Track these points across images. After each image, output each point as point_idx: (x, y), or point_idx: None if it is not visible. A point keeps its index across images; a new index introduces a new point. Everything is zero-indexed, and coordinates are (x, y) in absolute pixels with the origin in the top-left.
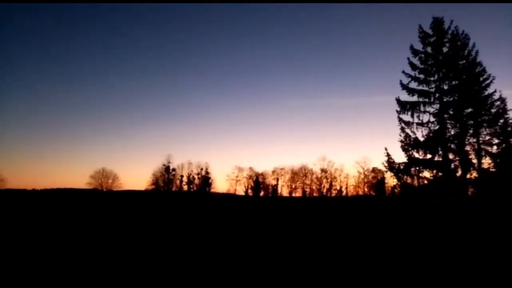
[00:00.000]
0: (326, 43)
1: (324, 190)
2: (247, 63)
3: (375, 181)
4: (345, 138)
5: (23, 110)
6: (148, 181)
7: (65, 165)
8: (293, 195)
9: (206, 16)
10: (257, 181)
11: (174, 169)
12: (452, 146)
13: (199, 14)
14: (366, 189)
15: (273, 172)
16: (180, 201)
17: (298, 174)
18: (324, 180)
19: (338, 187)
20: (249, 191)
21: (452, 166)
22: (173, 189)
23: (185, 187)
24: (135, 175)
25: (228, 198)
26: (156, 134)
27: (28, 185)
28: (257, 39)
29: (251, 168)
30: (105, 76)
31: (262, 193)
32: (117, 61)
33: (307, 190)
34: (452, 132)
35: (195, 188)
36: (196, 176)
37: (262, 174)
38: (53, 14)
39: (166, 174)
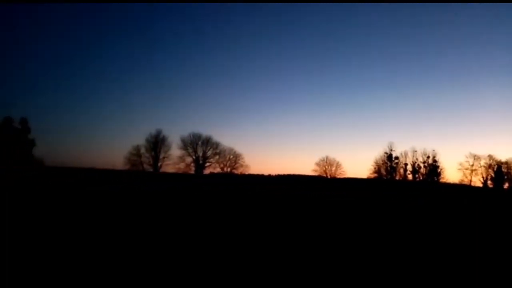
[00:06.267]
0: None
1: None
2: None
3: None
4: None
5: (263, 109)
6: (370, 169)
7: (294, 153)
8: None
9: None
10: (499, 171)
11: (397, 157)
12: None
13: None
14: None
15: None
16: None
17: None
18: None
19: None
20: (488, 182)
21: None
22: (397, 178)
23: (410, 176)
24: (357, 162)
25: (463, 189)
26: (377, 121)
27: (265, 171)
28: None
29: (490, 156)
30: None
31: (506, 185)
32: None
33: None
34: None
35: (420, 178)
36: (421, 165)
37: (506, 163)
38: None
39: (389, 162)
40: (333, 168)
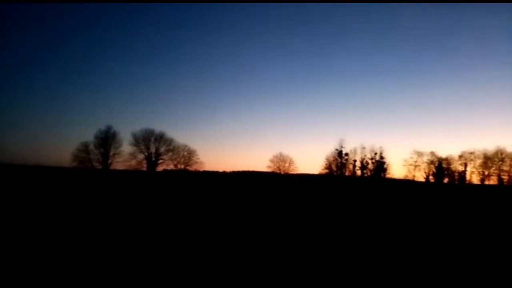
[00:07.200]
0: None
1: None
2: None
3: None
4: None
5: (219, 105)
6: (322, 165)
7: (249, 150)
8: (486, 183)
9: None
10: (440, 167)
11: (347, 154)
12: None
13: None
14: None
15: (460, 157)
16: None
17: (492, 159)
18: None
19: None
20: (430, 177)
21: None
22: (346, 174)
23: (358, 172)
24: (310, 158)
25: (407, 184)
26: (328, 118)
27: (220, 168)
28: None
29: (432, 153)
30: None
31: (446, 180)
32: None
33: (505, 177)
34: None
35: (368, 174)
36: (369, 161)
37: (446, 159)
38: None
39: (339, 159)
40: (286, 164)
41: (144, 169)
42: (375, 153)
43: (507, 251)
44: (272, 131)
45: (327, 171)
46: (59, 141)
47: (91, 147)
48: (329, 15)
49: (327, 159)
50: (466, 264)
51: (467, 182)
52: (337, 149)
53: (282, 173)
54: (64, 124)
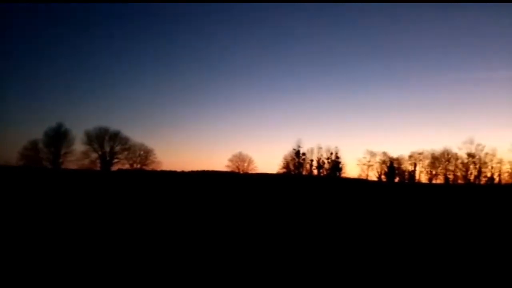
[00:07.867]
0: None
1: (472, 177)
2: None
3: None
4: (498, 118)
5: (178, 104)
6: (280, 164)
7: (208, 149)
8: (433, 182)
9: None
10: (392, 167)
11: (304, 154)
12: None
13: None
14: None
15: (410, 157)
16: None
17: (439, 159)
18: (472, 166)
19: (488, 174)
20: (382, 176)
21: None
22: (303, 173)
23: (315, 172)
24: (268, 158)
25: (360, 183)
26: (286, 119)
27: (178, 167)
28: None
29: (384, 153)
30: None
31: (397, 179)
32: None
33: (450, 176)
34: None
35: (325, 173)
36: (326, 161)
37: (397, 159)
38: None
39: (296, 158)
40: (246, 164)
41: (98, 168)
42: (331, 153)
43: (448, 240)
44: (232, 131)
45: (285, 170)
46: (5, 139)
47: (40, 145)
48: (284, 16)
49: (285, 159)
50: (410, 257)
51: (416, 181)
52: (294, 149)
53: (241, 172)
54: (10, 121)
